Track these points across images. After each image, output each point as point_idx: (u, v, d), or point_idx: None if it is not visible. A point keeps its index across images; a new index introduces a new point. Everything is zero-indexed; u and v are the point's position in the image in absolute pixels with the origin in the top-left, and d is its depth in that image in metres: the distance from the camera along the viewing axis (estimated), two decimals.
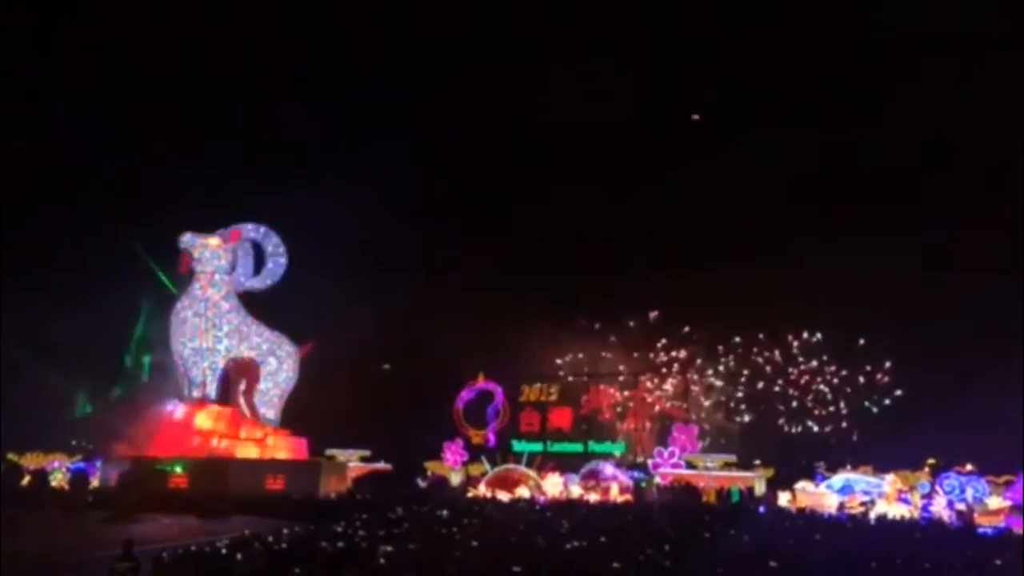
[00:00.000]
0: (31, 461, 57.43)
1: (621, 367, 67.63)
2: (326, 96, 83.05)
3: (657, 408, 65.55)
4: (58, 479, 55.10)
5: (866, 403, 61.80)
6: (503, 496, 49.37)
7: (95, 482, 48.96)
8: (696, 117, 66.31)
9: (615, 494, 52.46)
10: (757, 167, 71.80)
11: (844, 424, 62.27)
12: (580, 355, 68.44)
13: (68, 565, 21.26)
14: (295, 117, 73.89)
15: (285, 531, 21.99)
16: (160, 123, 73.68)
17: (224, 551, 18.33)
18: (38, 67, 68.89)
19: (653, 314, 67.44)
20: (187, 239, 52.39)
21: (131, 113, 72.85)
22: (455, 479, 59.77)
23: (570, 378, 68.41)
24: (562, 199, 75.41)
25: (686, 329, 66.67)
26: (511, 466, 57.52)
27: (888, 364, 61.19)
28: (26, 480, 51.56)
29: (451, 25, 75.64)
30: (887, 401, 61.17)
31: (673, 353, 66.75)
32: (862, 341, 62.08)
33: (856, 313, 61.59)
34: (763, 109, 72.83)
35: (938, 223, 61.73)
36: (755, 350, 64.87)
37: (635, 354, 67.42)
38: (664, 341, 66.92)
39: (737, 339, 65.15)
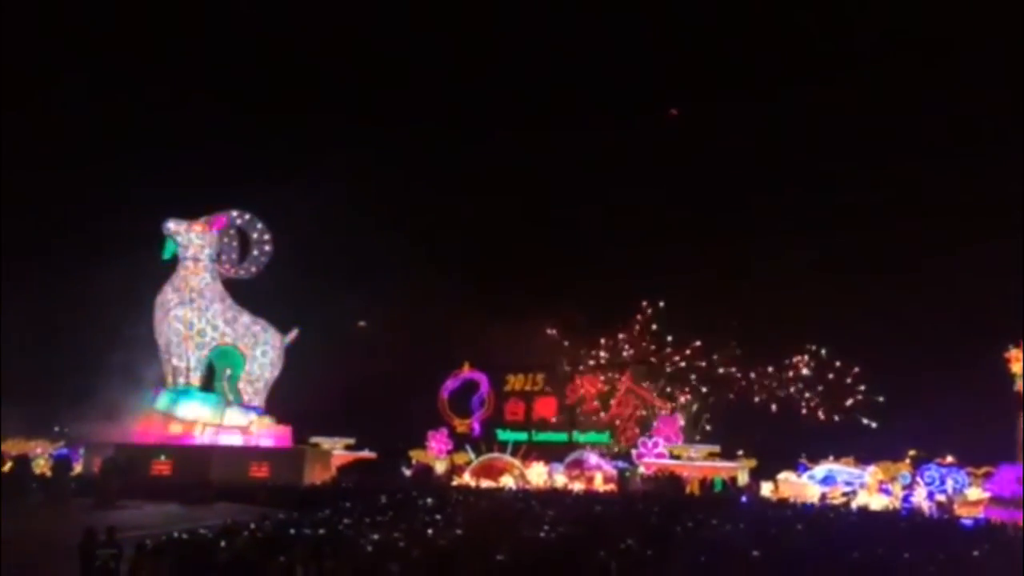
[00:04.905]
0: (13, 447, 56.87)
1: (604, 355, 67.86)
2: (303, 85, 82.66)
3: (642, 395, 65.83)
4: (40, 465, 54.69)
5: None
6: (487, 485, 49.48)
7: (78, 468, 48.62)
8: (674, 112, 68.05)
9: (599, 483, 52.71)
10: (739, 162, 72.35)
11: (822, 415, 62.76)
12: (566, 343, 68.44)
13: (50, 552, 21.10)
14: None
15: (268, 519, 21.89)
16: (145, 110, 73.04)
17: (207, 538, 18.28)
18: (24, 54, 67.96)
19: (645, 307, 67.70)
20: (172, 225, 51.94)
21: (116, 100, 72.03)
22: (440, 468, 59.82)
23: (563, 367, 68.41)
24: (547, 187, 75.71)
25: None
26: (495, 455, 57.68)
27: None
28: (7, 466, 51.13)
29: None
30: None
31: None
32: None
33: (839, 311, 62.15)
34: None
35: (916, 219, 62.22)
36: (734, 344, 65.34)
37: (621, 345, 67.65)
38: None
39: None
